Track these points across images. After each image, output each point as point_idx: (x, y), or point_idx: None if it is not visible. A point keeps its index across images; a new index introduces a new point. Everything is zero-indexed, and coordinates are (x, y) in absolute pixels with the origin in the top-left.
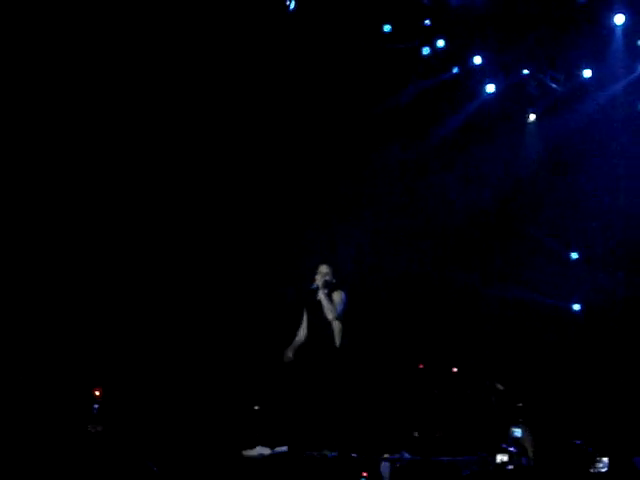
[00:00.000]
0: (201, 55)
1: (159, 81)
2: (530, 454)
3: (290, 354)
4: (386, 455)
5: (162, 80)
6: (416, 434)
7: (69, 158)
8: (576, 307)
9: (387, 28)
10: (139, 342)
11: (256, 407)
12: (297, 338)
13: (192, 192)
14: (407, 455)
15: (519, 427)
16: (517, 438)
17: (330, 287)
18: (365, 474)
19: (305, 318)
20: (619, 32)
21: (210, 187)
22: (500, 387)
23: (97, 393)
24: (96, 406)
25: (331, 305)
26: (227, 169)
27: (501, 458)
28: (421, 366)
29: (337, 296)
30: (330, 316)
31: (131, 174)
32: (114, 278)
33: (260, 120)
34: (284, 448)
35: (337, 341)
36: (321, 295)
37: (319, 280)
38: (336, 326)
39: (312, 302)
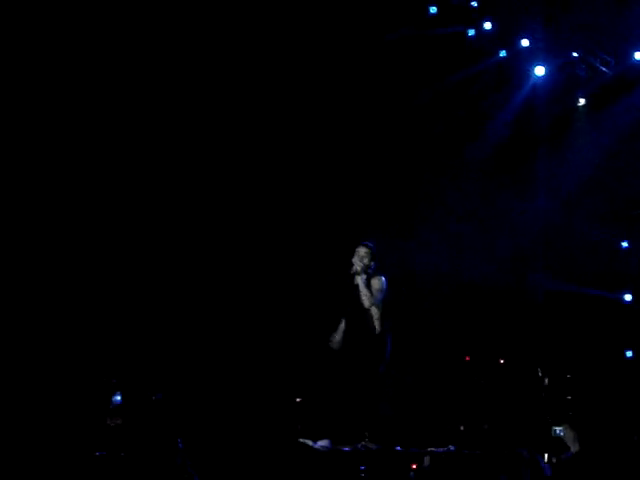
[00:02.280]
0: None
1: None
2: (573, 450)
3: (337, 339)
4: (432, 449)
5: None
6: (462, 427)
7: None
8: (627, 297)
9: (433, 10)
10: (168, 331)
11: (298, 399)
12: (340, 325)
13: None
14: (453, 449)
15: (561, 426)
16: (559, 437)
17: (370, 272)
18: (414, 466)
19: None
20: None
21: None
22: (546, 381)
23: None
24: (117, 398)
25: (368, 291)
26: (291, 169)
27: None
28: (467, 358)
29: (377, 282)
30: (366, 303)
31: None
32: (137, 268)
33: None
34: (326, 442)
35: (377, 328)
36: (358, 280)
37: (357, 264)
38: (374, 313)
39: (350, 288)
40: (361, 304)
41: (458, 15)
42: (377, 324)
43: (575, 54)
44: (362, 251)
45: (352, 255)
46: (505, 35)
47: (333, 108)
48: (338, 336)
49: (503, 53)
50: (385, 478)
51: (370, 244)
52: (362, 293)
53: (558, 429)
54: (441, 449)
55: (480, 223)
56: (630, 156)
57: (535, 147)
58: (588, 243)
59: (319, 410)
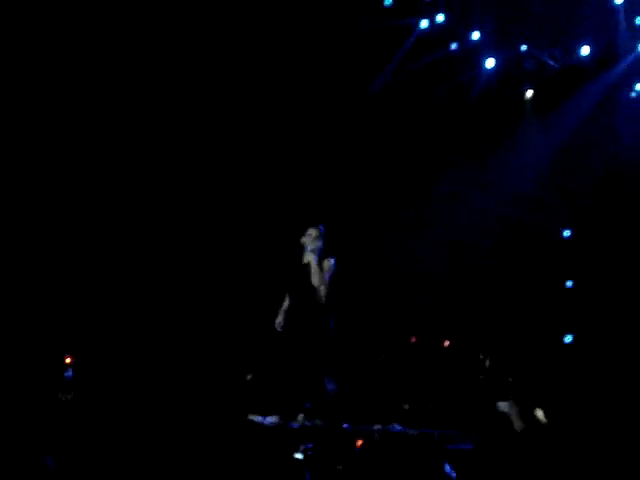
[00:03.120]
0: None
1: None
2: (517, 429)
3: (281, 320)
4: (378, 426)
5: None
6: (407, 406)
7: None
8: (568, 283)
9: (388, 2)
10: (116, 307)
11: (248, 376)
12: (284, 303)
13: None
14: (398, 427)
15: (505, 402)
16: (503, 413)
17: (320, 254)
18: (360, 442)
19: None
20: (619, 9)
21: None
22: (487, 362)
23: (68, 360)
24: (68, 374)
25: (320, 271)
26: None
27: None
28: (414, 339)
29: (326, 264)
30: (316, 282)
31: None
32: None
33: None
34: (275, 418)
35: (323, 305)
36: (310, 259)
37: (308, 243)
38: (321, 291)
39: (299, 267)
40: (309, 282)
41: (411, 7)
42: (323, 301)
43: (523, 47)
44: (314, 232)
45: (301, 235)
46: (457, 28)
47: (287, 98)
48: (281, 317)
49: (454, 46)
50: (331, 455)
51: (321, 226)
52: (313, 271)
53: (502, 405)
54: (387, 426)
55: (424, 214)
56: (576, 149)
57: (486, 140)
58: (533, 232)
59: (267, 386)
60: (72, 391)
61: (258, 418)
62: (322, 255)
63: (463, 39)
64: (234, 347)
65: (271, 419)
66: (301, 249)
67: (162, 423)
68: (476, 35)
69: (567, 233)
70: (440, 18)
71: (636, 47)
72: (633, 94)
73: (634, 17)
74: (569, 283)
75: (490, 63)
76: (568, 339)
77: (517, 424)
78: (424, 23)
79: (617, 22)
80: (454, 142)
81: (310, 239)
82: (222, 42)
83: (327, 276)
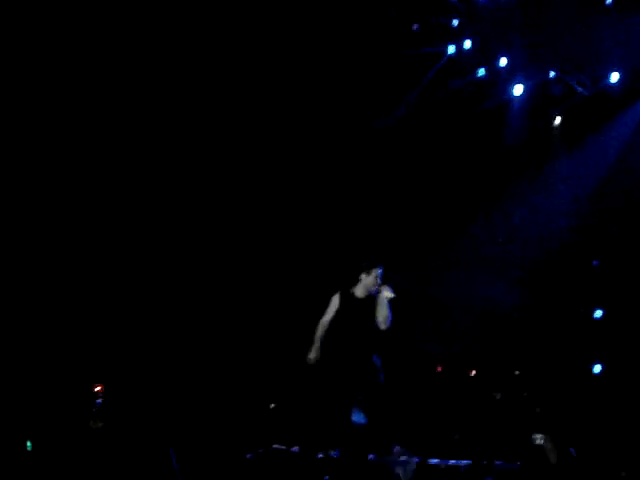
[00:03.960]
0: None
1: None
2: (552, 461)
3: (313, 357)
4: (402, 457)
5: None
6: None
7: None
8: (598, 314)
9: (416, 27)
10: (147, 338)
11: (272, 405)
12: (316, 342)
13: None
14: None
15: (541, 434)
16: (538, 445)
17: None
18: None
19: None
20: None
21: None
22: (497, 396)
23: (99, 389)
24: (98, 402)
25: (388, 313)
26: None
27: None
28: (439, 369)
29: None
30: (383, 326)
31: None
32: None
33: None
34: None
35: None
36: (384, 301)
37: (371, 282)
38: (381, 328)
39: (354, 305)
40: (365, 321)
41: (439, 33)
42: (374, 340)
43: (552, 73)
44: (378, 272)
45: (367, 274)
46: (484, 54)
47: (316, 123)
48: (314, 354)
49: (482, 72)
50: None
51: (381, 267)
52: (382, 314)
53: (538, 437)
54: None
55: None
56: (607, 179)
57: (515, 166)
58: (562, 260)
59: (292, 416)
60: (103, 419)
61: (282, 447)
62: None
63: (491, 65)
64: (260, 375)
65: (295, 449)
66: (354, 283)
67: (187, 449)
68: (504, 61)
69: (595, 262)
70: (468, 44)
71: None
72: None
73: None
74: (599, 313)
75: (518, 90)
76: (597, 369)
77: (552, 457)
78: (451, 49)
79: None
80: (483, 173)
81: (372, 278)
82: (245, 57)
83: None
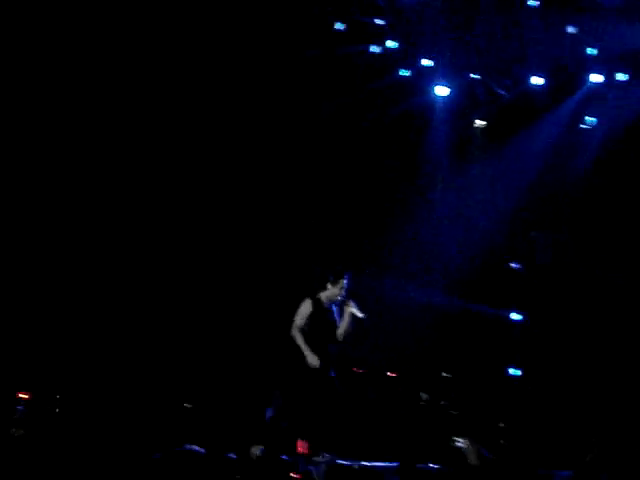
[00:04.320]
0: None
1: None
2: (472, 463)
3: (315, 360)
4: (317, 458)
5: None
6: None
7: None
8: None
9: (340, 26)
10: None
11: (187, 405)
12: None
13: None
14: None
15: (462, 438)
16: (459, 448)
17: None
18: (296, 476)
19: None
20: (570, 40)
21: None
22: (425, 396)
23: (23, 396)
24: (20, 408)
25: (349, 329)
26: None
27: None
28: (359, 371)
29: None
30: (340, 338)
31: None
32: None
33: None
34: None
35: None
36: (353, 310)
37: (337, 292)
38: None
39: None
40: (328, 329)
41: (364, 32)
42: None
43: (475, 76)
44: (344, 283)
45: (333, 284)
46: (409, 54)
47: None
48: (313, 357)
49: (405, 72)
50: None
51: (347, 275)
52: (344, 327)
53: (459, 441)
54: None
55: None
56: (524, 179)
57: (436, 167)
58: (481, 263)
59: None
60: (24, 427)
61: (194, 447)
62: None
63: (414, 65)
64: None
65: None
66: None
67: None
68: (427, 62)
69: (515, 265)
70: (391, 44)
71: (587, 78)
72: (584, 125)
73: (585, 48)
74: (517, 316)
75: (442, 91)
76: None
77: (472, 459)
78: (375, 49)
79: (568, 52)
80: (403, 167)
81: (337, 289)
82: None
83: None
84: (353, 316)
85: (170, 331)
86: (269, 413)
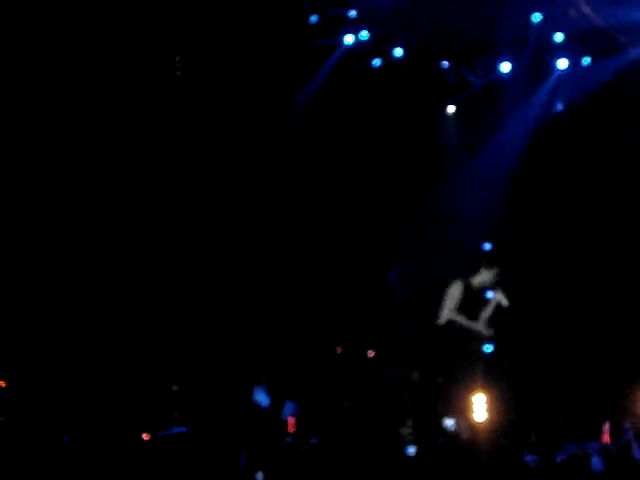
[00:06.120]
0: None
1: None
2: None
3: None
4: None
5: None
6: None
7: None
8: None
9: (314, 19)
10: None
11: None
12: None
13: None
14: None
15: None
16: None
17: None
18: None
19: None
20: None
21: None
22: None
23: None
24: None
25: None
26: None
27: None
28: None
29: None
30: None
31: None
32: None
33: None
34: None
35: None
36: (500, 297)
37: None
38: None
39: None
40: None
41: (336, 25)
42: None
43: (446, 63)
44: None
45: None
46: (379, 44)
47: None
48: None
49: (377, 62)
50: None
51: None
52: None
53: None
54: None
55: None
56: (495, 162)
57: (410, 157)
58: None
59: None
60: (4, 414)
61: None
62: None
63: (386, 55)
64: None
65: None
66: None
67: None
68: (399, 51)
69: (488, 246)
70: (364, 34)
71: (555, 64)
72: (553, 111)
73: (553, 34)
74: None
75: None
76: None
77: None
78: (349, 39)
79: (536, 39)
80: (374, 156)
81: (492, 273)
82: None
83: None
84: (498, 304)
85: (157, 315)
86: (258, 396)
